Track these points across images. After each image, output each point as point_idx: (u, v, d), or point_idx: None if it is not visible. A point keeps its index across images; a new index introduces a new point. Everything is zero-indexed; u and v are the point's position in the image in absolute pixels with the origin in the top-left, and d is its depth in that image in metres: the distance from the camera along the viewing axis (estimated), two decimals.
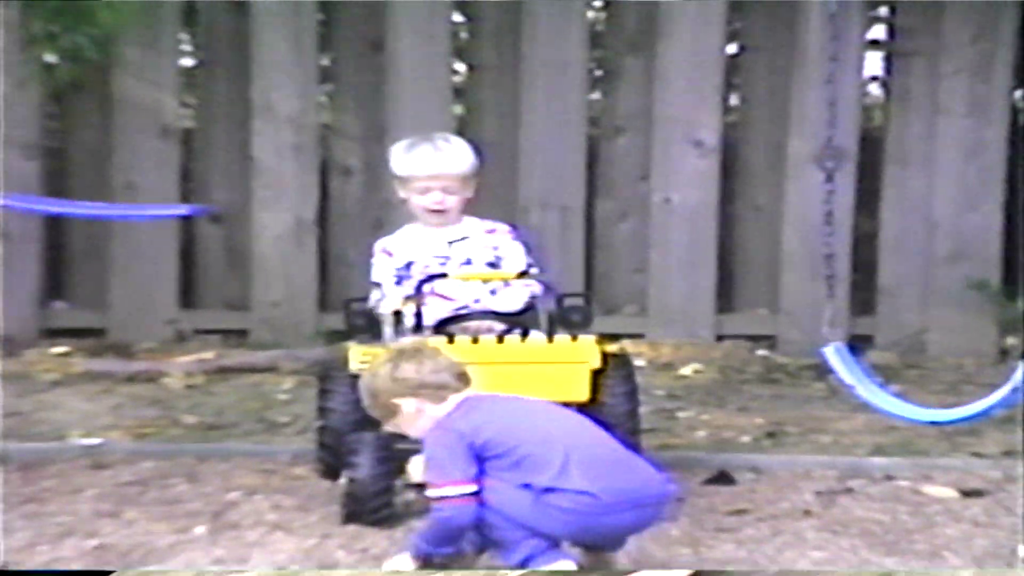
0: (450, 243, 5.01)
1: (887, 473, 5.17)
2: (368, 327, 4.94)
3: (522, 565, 3.85)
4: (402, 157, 5.00)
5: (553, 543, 3.86)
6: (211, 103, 7.66)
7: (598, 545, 3.94)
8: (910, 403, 5.16)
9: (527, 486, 3.81)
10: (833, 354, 4.88)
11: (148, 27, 7.23)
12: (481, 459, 3.86)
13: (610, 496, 3.80)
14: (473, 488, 3.85)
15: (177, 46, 7.54)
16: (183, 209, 7.24)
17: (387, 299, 4.88)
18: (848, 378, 4.86)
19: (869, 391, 4.90)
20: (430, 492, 3.92)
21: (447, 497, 3.86)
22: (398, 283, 4.94)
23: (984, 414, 4.86)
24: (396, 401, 4.03)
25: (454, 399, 4.00)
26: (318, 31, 7.51)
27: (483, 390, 4.29)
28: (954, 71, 7.25)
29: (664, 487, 3.94)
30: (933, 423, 5.34)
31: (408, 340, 4.34)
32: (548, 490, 3.80)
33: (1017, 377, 4.56)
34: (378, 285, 5.00)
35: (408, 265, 4.98)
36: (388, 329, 4.80)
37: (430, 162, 4.95)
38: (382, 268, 5.01)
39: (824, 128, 6.10)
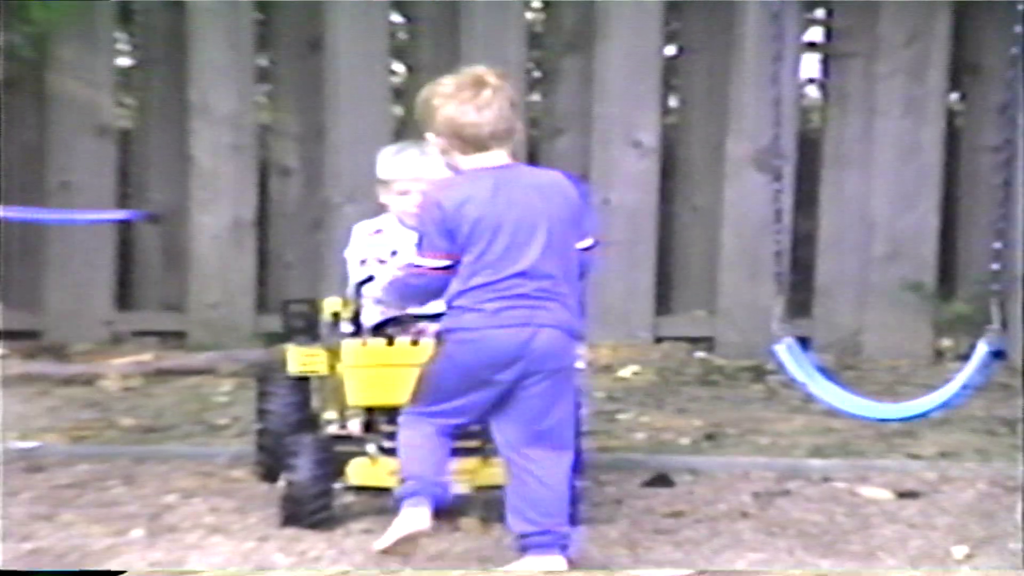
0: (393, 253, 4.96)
1: (824, 475, 5.20)
2: (306, 328, 4.93)
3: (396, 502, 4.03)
4: (389, 160, 4.96)
5: (436, 485, 3.99)
6: (148, 103, 7.61)
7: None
8: (864, 397, 5.14)
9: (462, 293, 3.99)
10: (784, 351, 4.85)
11: (84, 26, 7.19)
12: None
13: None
14: (441, 263, 4.01)
15: (113, 45, 7.50)
16: (122, 214, 7.18)
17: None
18: (799, 375, 4.85)
19: (821, 387, 4.90)
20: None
21: (414, 265, 4.09)
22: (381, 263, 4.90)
23: (936, 410, 4.82)
24: (429, 135, 4.17)
25: (479, 158, 4.07)
26: (256, 31, 7.48)
27: None
28: (890, 73, 7.30)
29: None
30: (885, 420, 5.29)
31: (480, 69, 4.18)
32: (479, 287, 3.97)
33: (968, 371, 4.55)
34: (363, 262, 4.93)
35: (394, 253, 4.95)
36: (325, 330, 4.80)
37: (415, 165, 4.90)
38: (376, 246, 4.92)
39: (769, 127, 6.10)
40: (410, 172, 4.89)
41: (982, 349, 4.49)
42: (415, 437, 4.05)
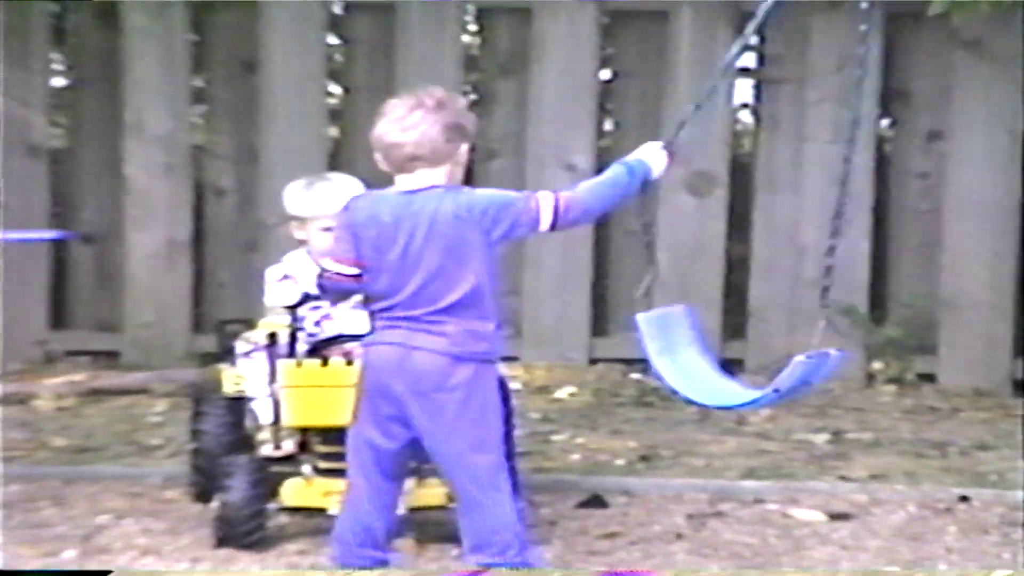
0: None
1: (757, 496, 5.24)
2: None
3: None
4: (302, 197, 4.87)
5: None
6: (82, 122, 7.58)
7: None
8: (735, 380, 4.65)
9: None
10: (645, 321, 4.37)
11: (17, 45, 7.15)
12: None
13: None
14: (347, 270, 4.01)
15: (48, 65, 7.46)
16: (52, 233, 7.14)
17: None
18: (651, 347, 4.33)
19: (667, 363, 4.36)
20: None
21: (326, 270, 4.07)
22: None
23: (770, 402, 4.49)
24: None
25: (402, 179, 4.01)
26: (190, 51, 7.46)
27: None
28: (821, 99, 7.36)
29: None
30: (723, 407, 4.86)
31: (425, 91, 4.09)
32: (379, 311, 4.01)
33: (795, 371, 4.42)
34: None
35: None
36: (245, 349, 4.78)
37: (334, 201, 4.83)
38: (292, 292, 4.86)
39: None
40: (330, 208, 4.73)
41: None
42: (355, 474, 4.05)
